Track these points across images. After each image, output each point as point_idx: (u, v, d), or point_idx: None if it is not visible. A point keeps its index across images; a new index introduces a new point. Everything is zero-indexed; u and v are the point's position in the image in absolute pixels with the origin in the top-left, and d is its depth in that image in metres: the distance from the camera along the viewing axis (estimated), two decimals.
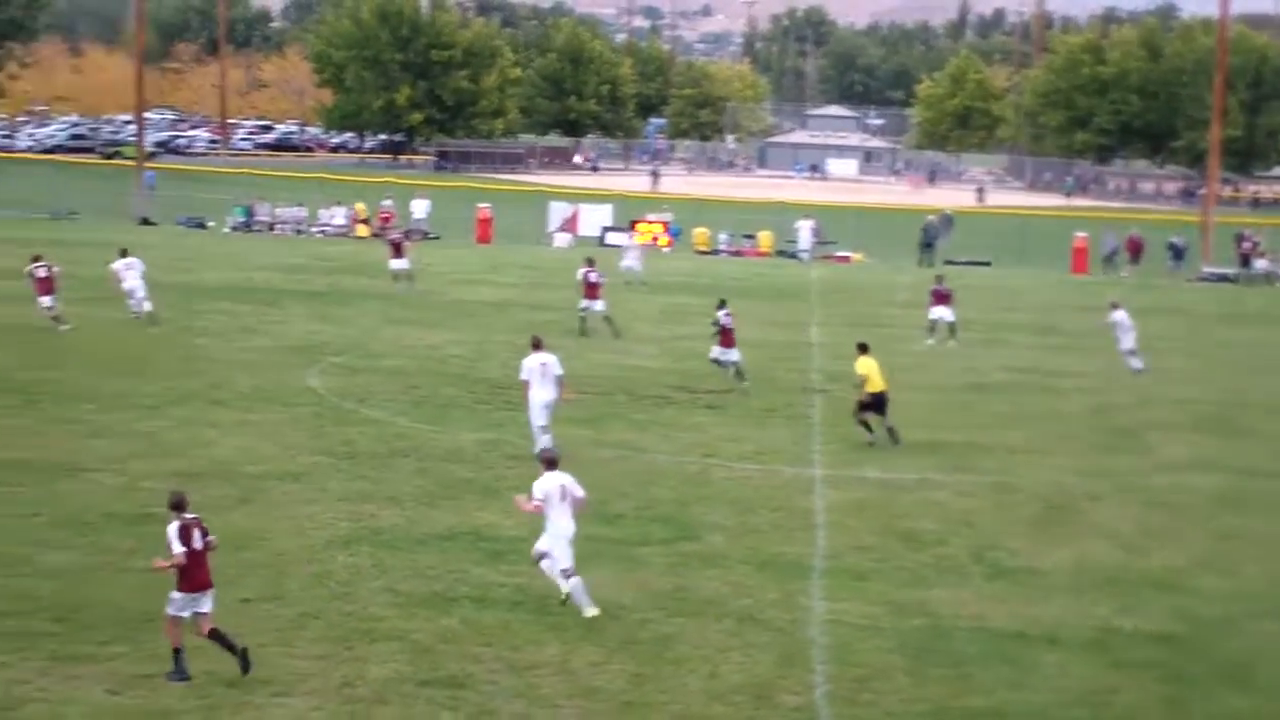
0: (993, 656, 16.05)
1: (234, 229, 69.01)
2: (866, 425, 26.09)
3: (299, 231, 68.73)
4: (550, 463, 17.17)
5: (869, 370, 25.94)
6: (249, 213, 70.32)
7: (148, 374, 29.63)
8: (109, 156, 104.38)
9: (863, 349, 26.39)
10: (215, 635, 14.39)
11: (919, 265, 61.95)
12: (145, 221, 68.81)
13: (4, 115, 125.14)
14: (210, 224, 69.98)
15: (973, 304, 43.83)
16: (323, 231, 68.67)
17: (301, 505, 20.73)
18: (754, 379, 31.19)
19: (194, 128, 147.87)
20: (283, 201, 72.59)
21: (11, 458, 22.41)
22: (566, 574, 16.69)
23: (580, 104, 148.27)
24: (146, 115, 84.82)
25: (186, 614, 14.40)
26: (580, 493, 16.97)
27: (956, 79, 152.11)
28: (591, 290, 37.55)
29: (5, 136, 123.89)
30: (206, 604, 14.45)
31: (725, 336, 31.16)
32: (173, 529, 14.32)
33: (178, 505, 14.49)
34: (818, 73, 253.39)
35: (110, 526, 19.25)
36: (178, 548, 14.24)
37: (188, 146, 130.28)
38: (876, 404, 25.99)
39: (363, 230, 67.52)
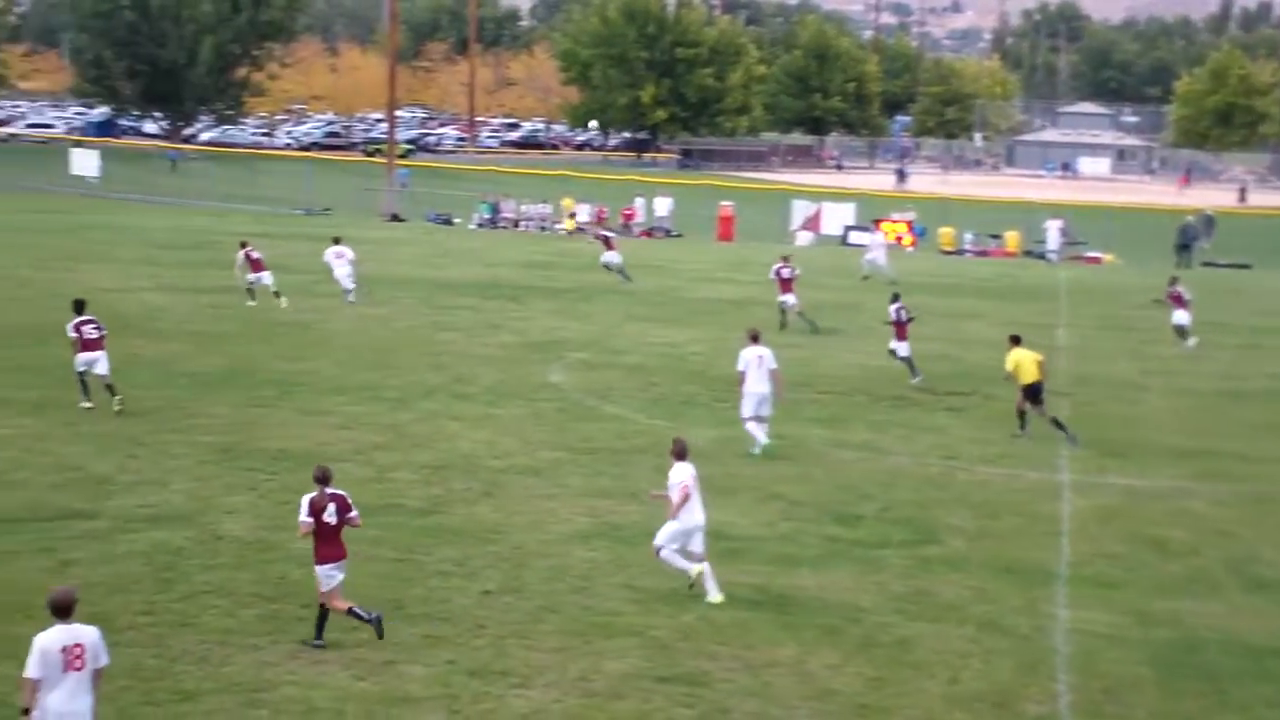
0: (1249, 673, 15.41)
1: (479, 225, 70.47)
2: (1022, 421, 26.08)
3: (542, 228, 69.80)
4: (680, 454, 17.07)
5: (1019, 362, 25.92)
6: (494, 209, 71.71)
7: (394, 368, 30.37)
8: (370, 154, 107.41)
9: (1015, 341, 26.51)
10: (350, 612, 14.98)
11: (1175, 268, 59.96)
12: (395, 218, 70.61)
13: (264, 114, 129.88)
14: (457, 220, 71.50)
15: (1232, 308, 42.25)
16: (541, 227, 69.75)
17: (542, 500, 20.97)
18: (996, 382, 30.51)
19: (443, 125, 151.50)
20: (527, 199, 73.89)
21: (270, 447, 23.18)
22: (699, 559, 16.80)
23: (825, 101, 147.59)
24: (398, 113, 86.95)
25: (335, 582, 14.91)
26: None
27: (1218, 74, 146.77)
28: (785, 285, 37.51)
29: (264, 134, 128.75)
30: (338, 576, 14.96)
31: (899, 330, 31.01)
32: (304, 501, 14.99)
33: (321, 479, 15.17)
34: (1070, 69, 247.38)
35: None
36: (305, 518, 14.89)
37: (437, 144, 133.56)
38: (1031, 395, 25.92)
39: (570, 224, 68.42)
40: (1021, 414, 26.03)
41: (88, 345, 25.14)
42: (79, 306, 25.89)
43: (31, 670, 11.18)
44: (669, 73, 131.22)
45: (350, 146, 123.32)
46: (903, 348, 31.00)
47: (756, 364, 23.97)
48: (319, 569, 14.92)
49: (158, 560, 17.36)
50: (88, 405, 25.00)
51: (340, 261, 38.95)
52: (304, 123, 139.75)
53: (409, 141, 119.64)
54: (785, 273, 37.68)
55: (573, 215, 69.58)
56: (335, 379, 28.79)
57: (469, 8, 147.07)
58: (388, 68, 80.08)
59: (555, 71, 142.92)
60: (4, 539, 17.77)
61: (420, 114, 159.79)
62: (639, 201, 71.14)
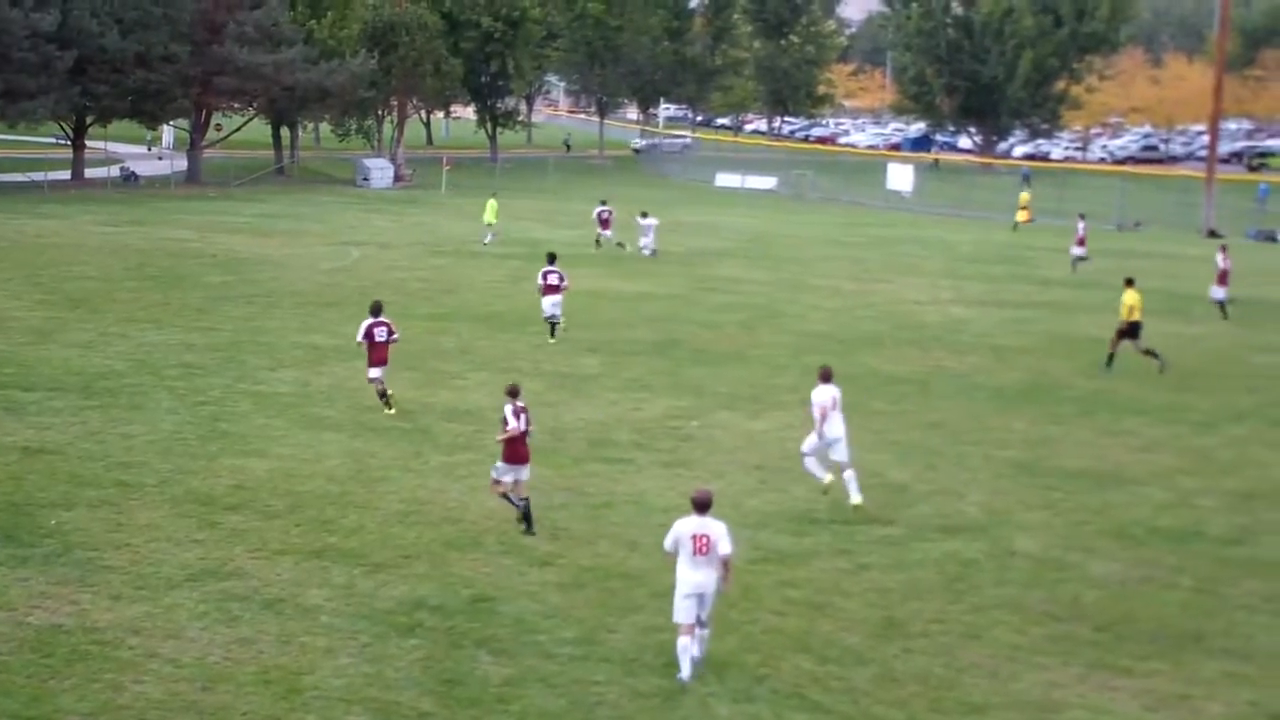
0: None
1: None
2: (1111, 357, 30.64)
3: None
4: (824, 378, 19.63)
5: (1134, 301, 30.53)
6: None
7: (1200, 389, 29.09)
8: (1254, 167, 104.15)
9: (1129, 283, 31.02)
10: (526, 508, 18.22)
11: None
12: (1213, 234, 67.68)
13: (1079, 127, 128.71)
14: None
15: None
16: None
17: None
18: None
19: (1271, 137, 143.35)
20: None
21: (1067, 465, 22.88)
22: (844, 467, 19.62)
23: None
24: (1221, 125, 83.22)
25: (508, 479, 18.17)
26: None
27: None
28: None
29: (1078, 148, 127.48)
30: (524, 474, 18.23)
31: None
32: (508, 409, 18.04)
33: (513, 393, 18.24)
34: None
35: (1154, 541, 19.05)
36: (512, 424, 17.95)
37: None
38: (1131, 331, 30.57)
39: None
40: (1112, 355, 30.61)
41: (376, 352, 24.23)
42: (376, 309, 24.78)
43: (667, 545, 14.17)
44: None
45: (1169, 160, 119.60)
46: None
47: None
48: (502, 466, 18.22)
49: (950, 570, 17.56)
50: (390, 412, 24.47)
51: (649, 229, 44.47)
52: (1120, 135, 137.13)
53: (1231, 154, 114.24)
54: None
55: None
56: (1136, 399, 27.95)
57: None
58: (1215, 77, 76.82)
59: None
60: (806, 539, 18.63)
61: (1246, 126, 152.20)
62: None
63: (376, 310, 24.85)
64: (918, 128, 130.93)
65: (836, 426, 19.86)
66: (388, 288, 39.77)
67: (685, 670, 13.92)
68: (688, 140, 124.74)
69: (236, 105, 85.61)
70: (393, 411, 24.29)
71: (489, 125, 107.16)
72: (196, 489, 19.62)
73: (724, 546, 13.89)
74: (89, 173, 78.96)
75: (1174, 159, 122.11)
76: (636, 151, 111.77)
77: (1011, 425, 25.59)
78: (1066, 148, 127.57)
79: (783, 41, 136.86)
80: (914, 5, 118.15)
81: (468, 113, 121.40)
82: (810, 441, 20.12)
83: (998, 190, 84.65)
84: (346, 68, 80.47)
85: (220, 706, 12.97)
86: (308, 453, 21.81)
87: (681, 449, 22.59)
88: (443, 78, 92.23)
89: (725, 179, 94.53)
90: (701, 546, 13.87)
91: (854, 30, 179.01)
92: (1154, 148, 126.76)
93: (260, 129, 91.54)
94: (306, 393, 26.00)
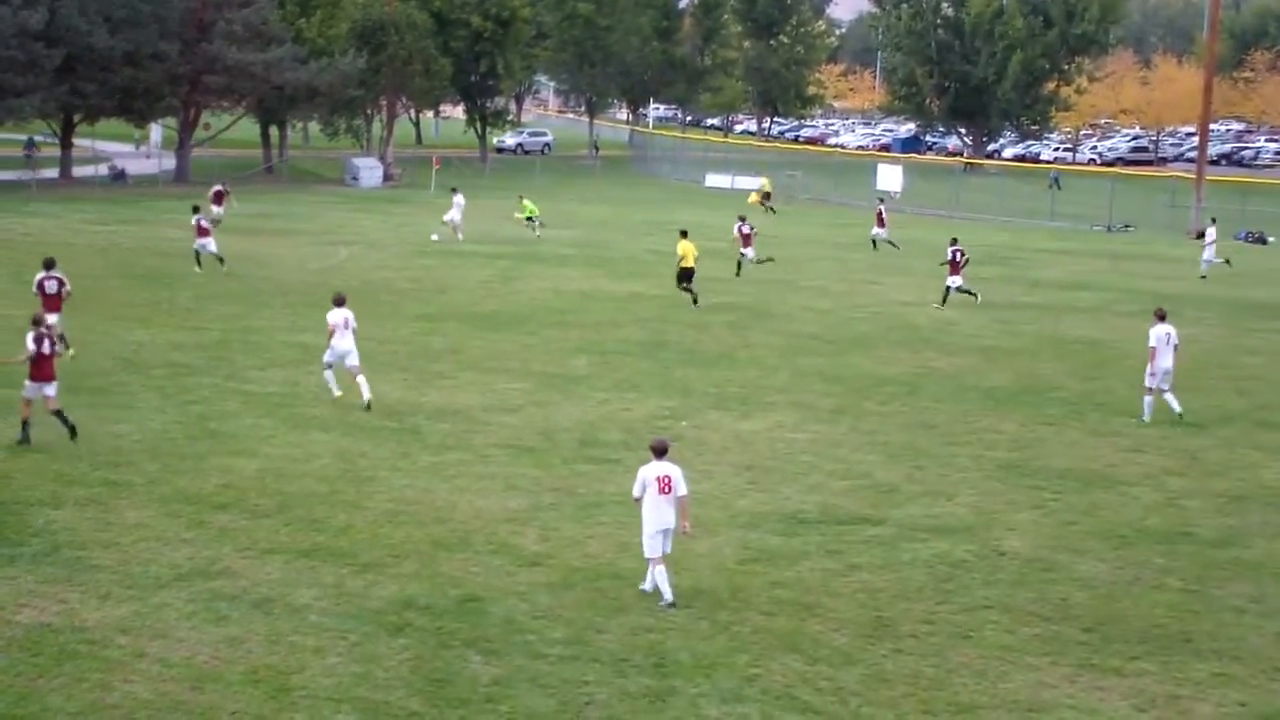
0: None
1: None
2: None
3: None
4: None
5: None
6: None
7: (1189, 390, 29.10)
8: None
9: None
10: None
11: None
12: (1200, 235, 67.80)
13: (1068, 128, 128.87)
14: (1271, 240, 67.63)
15: None
16: None
17: None
18: None
19: (1266, 138, 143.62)
20: None
21: (1056, 465, 22.90)
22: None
23: None
24: (1211, 126, 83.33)
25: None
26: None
27: None
28: None
29: (1067, 149, 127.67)
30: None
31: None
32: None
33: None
34: None
35: (1142, 541, 19.06)
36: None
37: (1253, 158, 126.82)
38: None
39: None
40: None
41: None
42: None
43: (635, 491, 15.82)
44: None
45: (1159, 161, 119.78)
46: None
47: None
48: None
49: (939, 571, 17.56)
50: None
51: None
52: (1110, 137, 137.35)
53: (1220, 155, 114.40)
54: None
55: None
56: (1126, 400, 27.90)
57: None
58: (1204, 79, 76.91)
59: None
60: (796, 539, 18.62)
61: (1236, 127, 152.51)
62: None
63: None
64: (908, 128, 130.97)
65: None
66: (377, 287, 39.74)
67: (668, 594, 15.68)
68: (549, 140, 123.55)
69: (225, 104, 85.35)
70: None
71: (478, 125, 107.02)
72: (185, 488, 19.57)
73: (681, 488, 15.69)
74: (77, 171, 78.78)
75: (1164, 160, 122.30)
76: (499, 151, 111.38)
77: (1001, 426, 25.61)
78: (1056, 149, 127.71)
79: (772, 42, 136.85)
80: (904, 6, 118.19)
81: (457, 112, 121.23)
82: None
83: (986, 191, 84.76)
84: (335, 67, 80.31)
85: (209, 706, 12.93)
86: (297, 452, 21.77)
87: (671, 450, 22.55)
88: (432, 77, 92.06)
89: (715, 179, 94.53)
90: (664, 486, 15.66)
91: (843, 31, 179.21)
92: (1144, 149, 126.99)
93: (249, 128, 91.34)
94: (295, 392, 25.95)
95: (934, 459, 23.07)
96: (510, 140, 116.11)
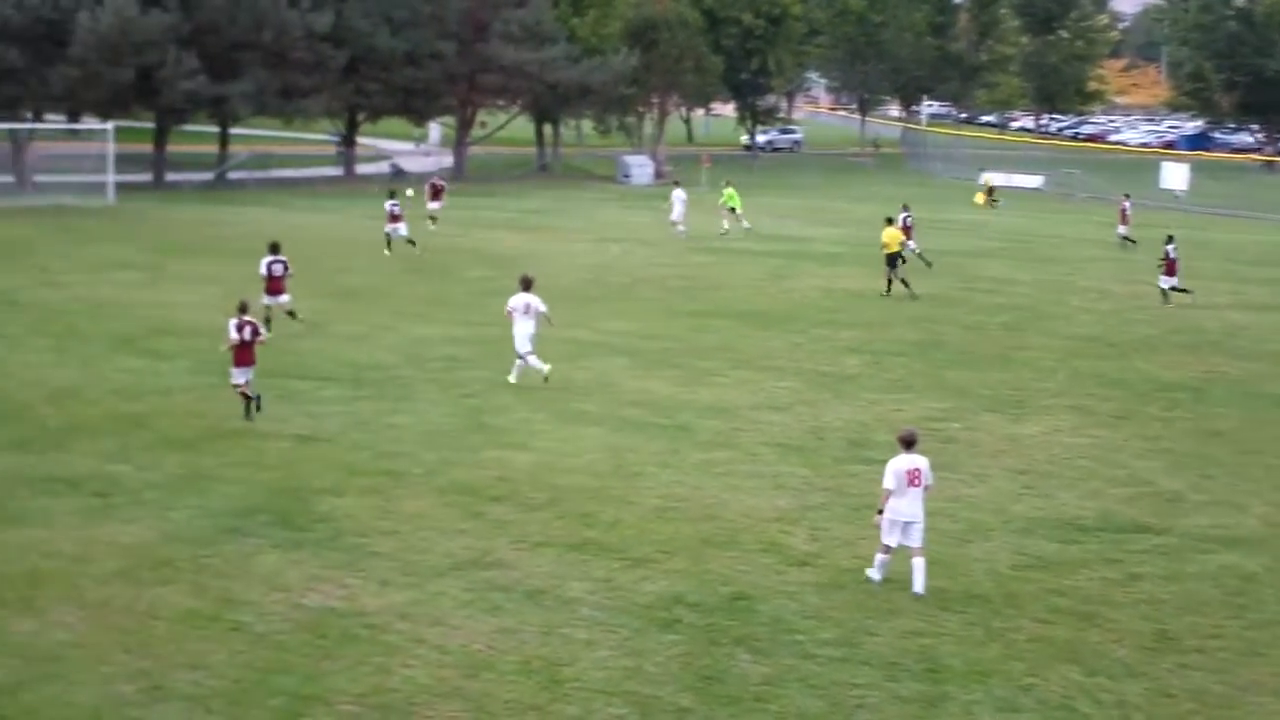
0: None
1: None
2: None
3: None
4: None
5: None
6: None
7: None
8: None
9: None
10: None
11: None
12: None
13: None
14: None
15: None
16: None
17: None
18: None
19: None
20: None
21: None
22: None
23: None
24: None
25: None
26: None
27: None
28: None
29: None
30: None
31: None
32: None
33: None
34: None
35: None
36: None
37: None
38: None
39: None
40: None
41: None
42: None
43: (886, 483, 15.86)
44: None
45: None
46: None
47: None
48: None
49: (1228, 584, 16.80)
50: None
51: None
52: None
53: None
54: None
55: None
56: None
57: None
58: None
59: None
60: (1074, 546, 18.05)
61: None
62: None
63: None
64: (1194, 125, 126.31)
65: None
66: (648, 284, 40.08)
67: (877, 575, 16.24)
68: (798, 137, 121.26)
69: (501, 102, 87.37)
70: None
71: (749, 122, 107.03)
72: (461, 479, 19.99)
73: (929, 479, 16.07)
74: (360, 169, 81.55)
75: None
76: (748, 149, 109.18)
77: None
78: None
79: (1051, 37, 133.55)
80: None
81: (728, 110, 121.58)
82: None
83: None
84: (608, 65, 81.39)
85: (484, 694, 13.15)
86: (567, 446, 22.04)
87: (943, 452, 22.09)
88: (703, 75, 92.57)
89: (990, 177, 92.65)
90: (914, 478, 15.85)
91: (1126, 25, 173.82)
92: None
93: (524, 126, 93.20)
94: (567, 387, 26.29)
95: (1222, 468, 22.12)
96: (761, 138, 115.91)
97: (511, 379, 26.10)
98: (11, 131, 65.91)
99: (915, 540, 15.84)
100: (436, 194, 54.33)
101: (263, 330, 24.11)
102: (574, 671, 13.68)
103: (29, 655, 13.58)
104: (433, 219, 52.55)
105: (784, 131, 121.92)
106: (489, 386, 26.13)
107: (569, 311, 34.78)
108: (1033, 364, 30.17)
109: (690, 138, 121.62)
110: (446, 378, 26.82)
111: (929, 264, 43.69)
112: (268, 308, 29.86)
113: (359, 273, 40.54)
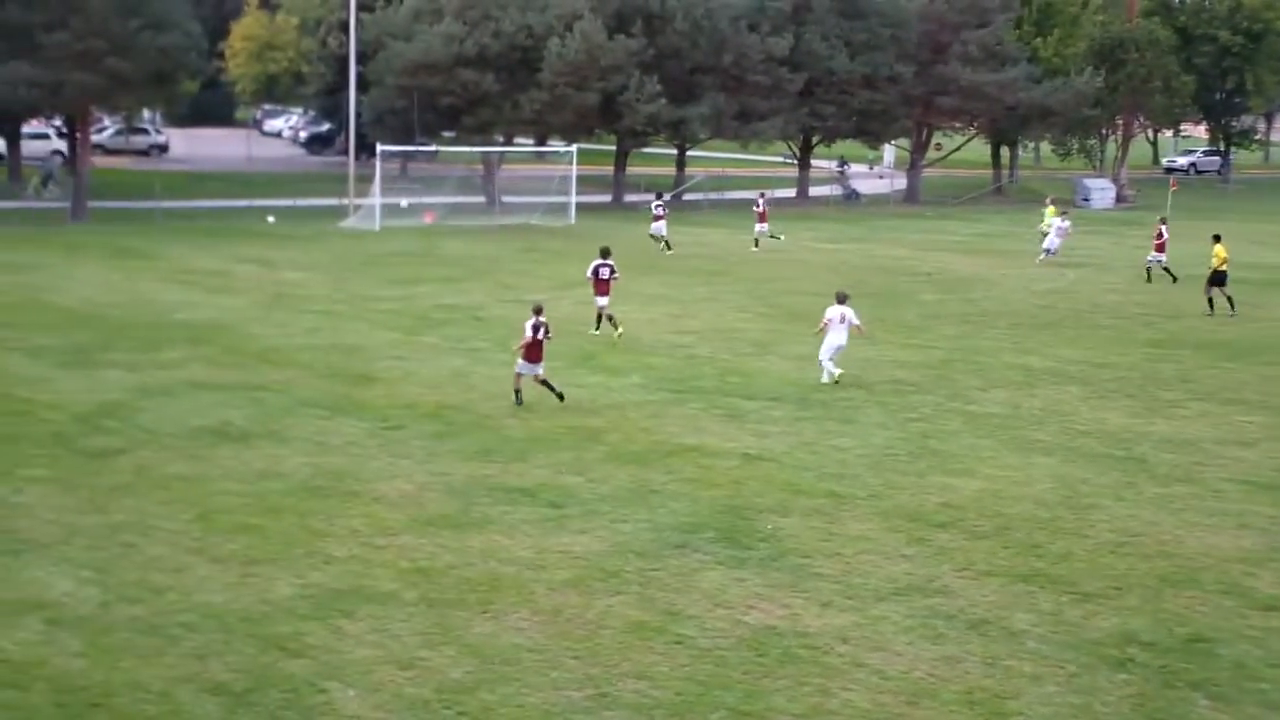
0: None
1: None
2: None
3: None
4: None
5: None
6: None
7: None
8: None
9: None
10: None
11: None
12: None
13: None
14: None
15: None
16: None
17: None
18: None
19: None
20: None
21: None
22: None
23: None
24: None
25: None
26: None
27: None
28: None
29: None
30: None
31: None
32: None
33: None
34: None
35: None
36: None
37: None
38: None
39: None
40: None
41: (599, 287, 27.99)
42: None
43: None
44: None
45: None
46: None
47: None
48: None
49: None
50: None
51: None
52: None
53: None
54: None
55: None
56: None
57: None
58: None
59: None
60: None
61: None
62: None
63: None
64: None
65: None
66: (1104, 311, 38.77)
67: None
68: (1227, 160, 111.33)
69: (957, 124, 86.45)
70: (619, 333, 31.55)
71: (1222, 144, 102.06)
72: (905, 504, 19.79)
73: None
74: (811, 191, 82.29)
75: None
76: (1168, 171, 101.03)
77: None
78: None
79: None
80: None
81: (1198, 131, 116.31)
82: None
83: None
84: (1071, 86, 79.35)
85: None
86: (1016, 475, 21.50)
87: None
88: (1172, 95, 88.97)
89: None
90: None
91: None
92: None
93: (979, 148, 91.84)
94: (1017, 414, 25.68)
95: None
96: (1181, 160, 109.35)
97: (824, 379, 27.69)
98: (484, 154, 69.86)
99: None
100: (762, 217, 55.33)
101: (610, 325, 31.01)
102: (1019, 705, 13.29)
103: (486, 656, 14.22)
104: (756, 242, 54.02)
105: (1209, 153, 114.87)
106: (936, 411, 25.80)
107: (1020, 338, 34.02)
108: None
109: (1156, 159, 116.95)
110: (893, 401, 26.64)
111: None
112: (600, 308, 32.69)
113: (806, 294, 40.79)
